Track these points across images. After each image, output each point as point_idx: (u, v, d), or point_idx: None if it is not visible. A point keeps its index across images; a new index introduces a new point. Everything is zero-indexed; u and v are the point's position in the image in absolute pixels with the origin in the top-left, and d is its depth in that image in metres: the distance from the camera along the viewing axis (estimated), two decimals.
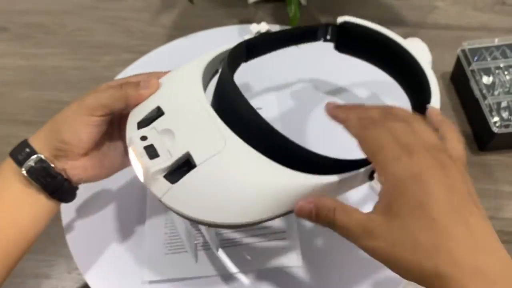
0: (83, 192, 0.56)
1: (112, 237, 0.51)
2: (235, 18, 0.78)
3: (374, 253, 0.30)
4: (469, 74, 0.63)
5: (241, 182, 0.34)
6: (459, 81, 0.67)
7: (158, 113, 0.38)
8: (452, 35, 0.74)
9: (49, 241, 0.57)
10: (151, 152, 0.35)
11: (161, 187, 0.35)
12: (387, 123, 0.33)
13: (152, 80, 0.41)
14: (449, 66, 0.69)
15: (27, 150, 0.39)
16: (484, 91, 0.60)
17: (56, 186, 0.39)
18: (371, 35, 0.51)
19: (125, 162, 0.44)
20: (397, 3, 0.79)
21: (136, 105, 0.40)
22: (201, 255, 0.48)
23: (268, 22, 0.77)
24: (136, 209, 0.53)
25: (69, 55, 0.76)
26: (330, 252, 0.49)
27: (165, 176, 0.35)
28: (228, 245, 0.49)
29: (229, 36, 0.69)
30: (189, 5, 0.74)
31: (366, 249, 0.31)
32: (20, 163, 0.39)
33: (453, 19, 0.77)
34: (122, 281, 0.47)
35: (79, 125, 0.39)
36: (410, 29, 0.75)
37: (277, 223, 0.50)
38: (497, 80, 0.61)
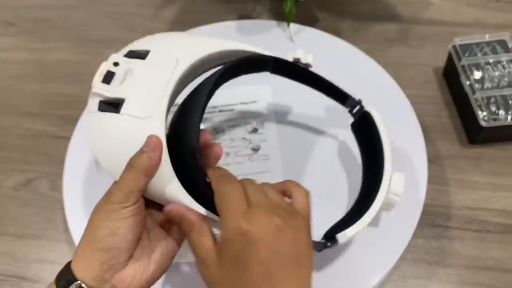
0: (85, 180, 0.59)
1: None
2: (234, 14, 0.80)
3: (204, 280, 0.35)
4: (459, 69, 0.64)
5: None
6: (450, 76, 0.69)
7: (145, 54, 0.42)
8: (446, 31, 0.76)
9: (52, 228, 0.60)
10: (108, 77, 0.40)
11: (92, 107, 0.40)
12: (243, 181, 0.37)
13: (150, 139, 0.38)
14: (442, 62, 0.71)
15: (69, 277, 0.36)
16: (474, 86, 0.62)
17: None
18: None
19: (175, 246, 0.41)
20: None
21: (155, 169, 0.38)
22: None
23: (266, 17, 0.79)
24: None
25: (73, 49, 0.79)
26: None
27: (101, 101, 0.39)
28: None
29: (228, 32, 0.71)
30: (189, 1, 0.77)
31: (199, 273, 0.35)
32: None
33: (447, 15, 0.78)
34: None
35: (117, 223, 0.36)
36: (405, 25, 0.77)
37: None
38: (486, 75, 0.63)
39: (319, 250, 0.43)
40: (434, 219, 0.59)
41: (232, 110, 0.61)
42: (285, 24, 0.67)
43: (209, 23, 0.74)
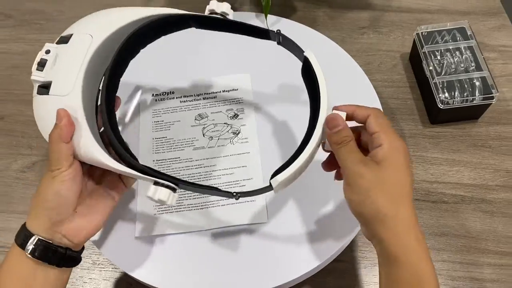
0: None
1: None
2: None
3: (358, 179, 0.43)
4: (422, 55, 0.71)
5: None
6: (415, 62, 0.75)
7: (68, 38, 0.49)
8: (413, 17, 0.82)
9: None
10: (41, 64, 0.48)
11: (34, 91, 0.48)
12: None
13: (58, 112, 0.45)
14: (409, 48, 0.77)
15: (26, 233, 0.44)
16: (433, 72, 0.69)
17: (59, 257, 0.45)
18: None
19: (112, 202, 0.49)
20: None
21: (70, 135, 0.45)
22: (184, 214, 0.58)
23: (248, 8, 0.85)
24: None
25: None
26: (292, 211, 0.58)
27: (39, 86, 0.47)
28: (206, 207, 0.58)
29: None
30: None
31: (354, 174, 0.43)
32: (22, 247, 0.44)
33: (415, 2, 0.84)
34: (117, 236, 0.57)
35: (58, 185, 0.44)
36: (375, 13, 0.83)
37: (247, 188, 0.59)
38: (445, 62, 0.69)
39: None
40: None
41: (215, 97, 0.67)
42: (263, 15, 0.72)
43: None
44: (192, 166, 0.61)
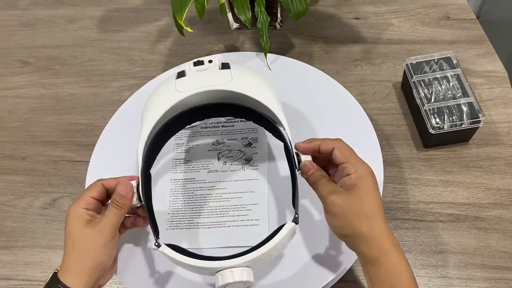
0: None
1: None
2: (221, 43, 0.92)
3: (333, 207, 0.51)
4: (412, 84, 0.76)
5: None
6: (406, 90, 0.80)
7: None
8: (403, 48, 0.88)
9: None
10: None
11: None
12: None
13: (121, 180, 0.54)
14: (400, 77, 0.82)
15: (59, 286, 0.46)
16: (423, 99, 0.74)
17: None
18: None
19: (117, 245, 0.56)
20: (357, 22, 0.92)
21: (130, 206, 0.54)
22: (195, 232, 0.63)
23: (248, 46, 0.91)
24: None
25: (83, 83, 0.90)
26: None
27: None
28: (216, 227, 0.64)
29: None
30: (181, 35, 0.88)
31: (328, 213, 0.52)
32: None
33: (405, 34, 0.90)
34: (132, 250, 0.62)
35: (107, 246, 0.50)
36: (368, 46, 0.89)
37: (253, 215, 0.64)
38: (434, 89, 0.75)
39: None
40: (394, 213, 0.71)
41: (233, 126, 0.73)
42: (263, 54, 0.78)
43: (200, 53, 0.86)
44: (205, 187, 0.67)
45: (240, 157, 0.70)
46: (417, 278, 0.64)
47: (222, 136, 0.72)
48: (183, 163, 0.70)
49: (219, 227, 0.64)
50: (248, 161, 0.69)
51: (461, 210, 0.70)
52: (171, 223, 0.65)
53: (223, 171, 0.68)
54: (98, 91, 0.89)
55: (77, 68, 0.93)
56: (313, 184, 0.54)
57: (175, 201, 0.67)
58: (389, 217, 0.70)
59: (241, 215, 0.64)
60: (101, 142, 0.73)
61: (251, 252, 0.50)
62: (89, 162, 0.72)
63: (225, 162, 0.69)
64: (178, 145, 0.72)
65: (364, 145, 0.68)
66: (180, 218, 0.65)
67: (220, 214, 0.65)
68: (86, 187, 0.73)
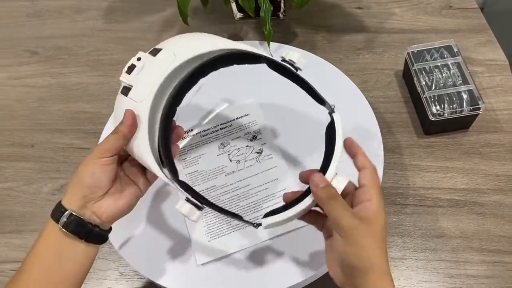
0: None
1: (160, 237, 0.65)
2: (225, 33, 0.94)
3: (342, 243, 0.46)
4: (413, 72, 0.77)
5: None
6: (407, 78, 0.81)
7: (157, 52, 0.53)
8: (405, 37, 0.89)
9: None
10: (130, 69, 0.53)
11: (120, 89, 0.53)
12: None
13: (127, 112, 0.51)
14: (402, 65, 0.83)
15: (61, 209, 0.49)
16: (424, 87, 0.75)
17: (88, 232, 0.50)
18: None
19: (138, 192, 0.55)
20: (359, 12, 0.93)
21: (131, 134, 0.51)
22: (234, 235, 0.63)
23: (252, 36, 0.92)
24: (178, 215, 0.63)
25: (89, 72, 0.92)
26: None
27: (124, 86, 0.53)
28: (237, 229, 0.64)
29: None
30: (185, 25, 0.90)
31: (338, 239, 0.46)
32: (57, 221, 0.49)
33: (407, 23, 0.91)
34: (179, 267, 0.61)
35: (95, 169, 0.50)
36: (370, 35, 0.90)
37: None
38: (434, 77, 0.76)
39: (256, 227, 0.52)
40: (394, 199, 0.72)
41: (231, 125, 0.73)
42: (266, 43, 0.80)
43: None
44: (229, 190, 0.67)
45: (250, 152, 0.70)
46: (416, 262, 0.66)
47: (225, 139, 0.72)
48: (198, 175, 0.69)
49: (243, 228, 0.63)
50: (259, 153, 0.70)
51: (460, 195, 0.71)
52: (211, 235, 0.64)
53: (240, 169, 0.68)
54: (104, 80, 0.90)
55: (84, 58, 0.95)
56: (329, 201, 0.47)
57: (205, 213, 0.66)
58: (389, 202, 0.71)
59: (275, 204, 0.64)
60: (108, 130, 0.75)
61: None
62: None
63: (238, 161, 0.69)
64: (185, 160, 0.71)
65: (366, 132, 0.70)
66: (218, 227, 0.64)
67: (255, 209, 0.65)
68: None
